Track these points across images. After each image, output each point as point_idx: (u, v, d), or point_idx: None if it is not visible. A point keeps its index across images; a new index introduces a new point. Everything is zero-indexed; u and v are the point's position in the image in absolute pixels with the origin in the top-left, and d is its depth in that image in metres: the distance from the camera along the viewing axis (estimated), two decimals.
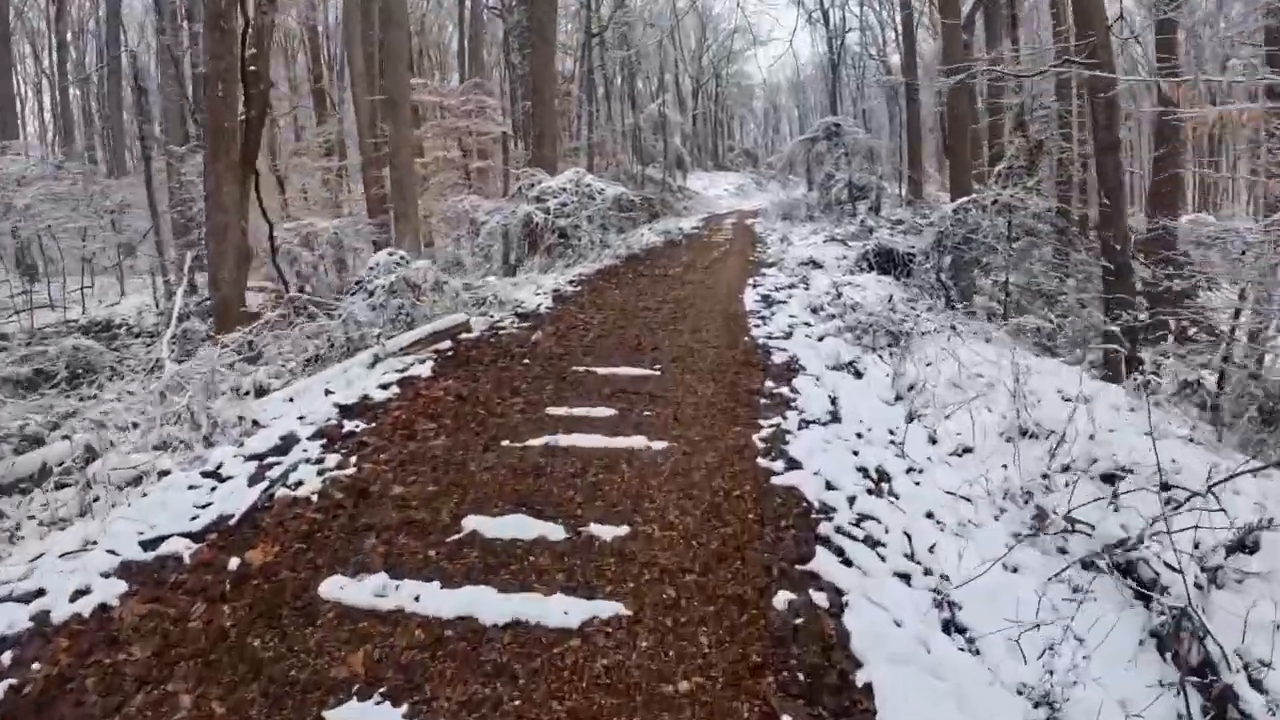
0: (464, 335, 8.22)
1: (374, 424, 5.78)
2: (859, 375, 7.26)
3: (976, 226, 12.24)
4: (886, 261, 13.63)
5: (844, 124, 24.56)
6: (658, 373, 7.02)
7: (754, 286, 12.06)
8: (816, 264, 14.49)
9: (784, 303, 10.84)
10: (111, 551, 3.87)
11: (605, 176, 29.40)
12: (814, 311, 10.17)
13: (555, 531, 4.11)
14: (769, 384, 6.76)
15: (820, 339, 8.45)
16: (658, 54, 45.68)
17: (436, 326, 7.75)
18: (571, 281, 12.30)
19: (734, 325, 9.21)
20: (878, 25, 39.99)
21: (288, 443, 5.30)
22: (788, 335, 8.65)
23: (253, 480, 4.71)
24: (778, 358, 7.61)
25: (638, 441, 5.30)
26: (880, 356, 7.90)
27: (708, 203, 37.83)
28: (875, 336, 8.39)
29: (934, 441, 5.66)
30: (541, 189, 15.23)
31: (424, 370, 7.03)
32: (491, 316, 9.44)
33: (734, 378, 6.96)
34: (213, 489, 4.62)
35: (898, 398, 6.66)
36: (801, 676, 3.03)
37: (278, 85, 23.41)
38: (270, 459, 5.04)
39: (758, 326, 9.14)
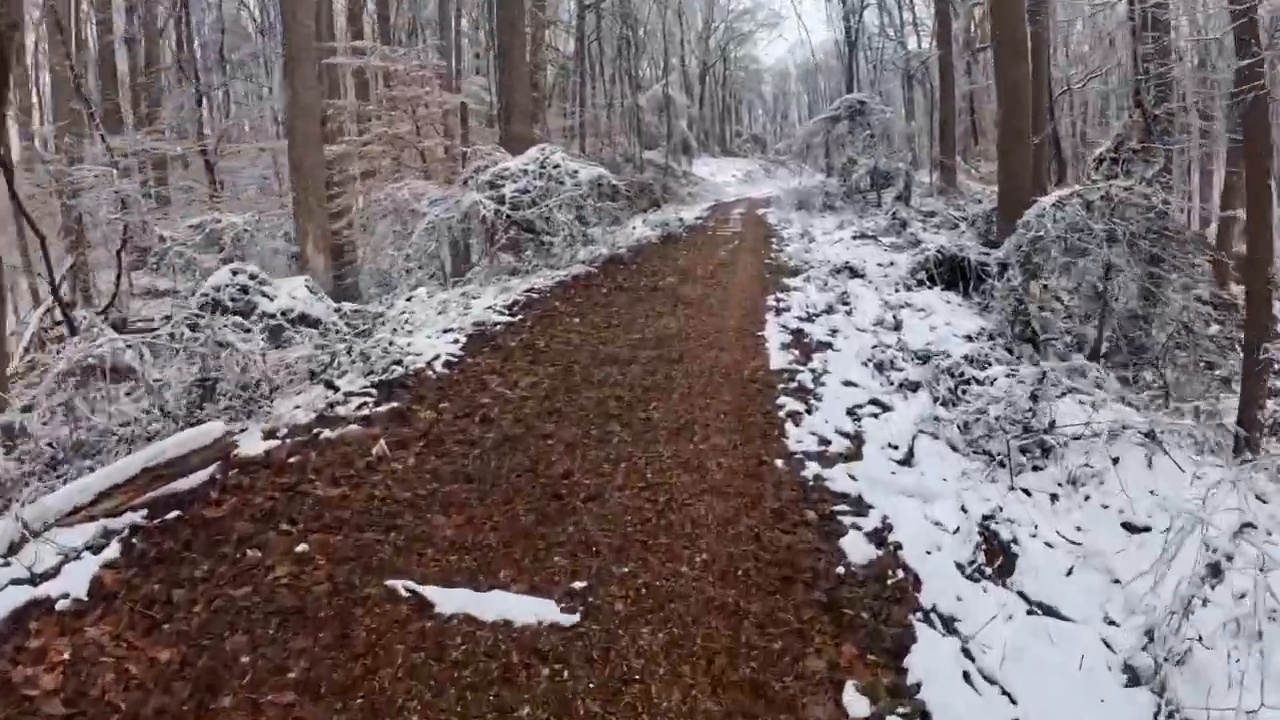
0: (213, 467, 4.14)
1: None
2: (1010, 556, 3.33)
3: (1086, 231, 8.34)
4: (951, 274, 9.66)
5: (869, 102, 20.43)
6: (577, 620, 2.94)
7: (777, 313, 8.15)
8: (855, 272, 10.52)
9: (828, 345, 6.95)
10: None
11: (593, 159, 25.43)
12: (878, 369, 6.24)
13: None
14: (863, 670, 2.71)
15: (908, 455, 4.48)
16: (661, 32, 41.42)
17: (157, 455, 3.72)
18: (515, 305, 8.39)
19: (752, 411, 5.26)
20: (895, 4, 35.80)
21: None
22: (853, 440, 4.68)
23: None
24: (852, 539, 3.52)
25: None
26: (1027, 491, 3.95)
27: (715, 189, 33.75)
28: (1004, 440, 4.41)
29: None
30: (496, 172, 11.30)
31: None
32: (333, 392, 5.43)
33: (766, 646, 2.82)
34: None
35: (1133, 679, 2.69)
36: None
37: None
38: None
39: (795, 416, 5.13)
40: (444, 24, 18.87)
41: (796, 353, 6.56)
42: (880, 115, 19.90)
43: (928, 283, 9.49)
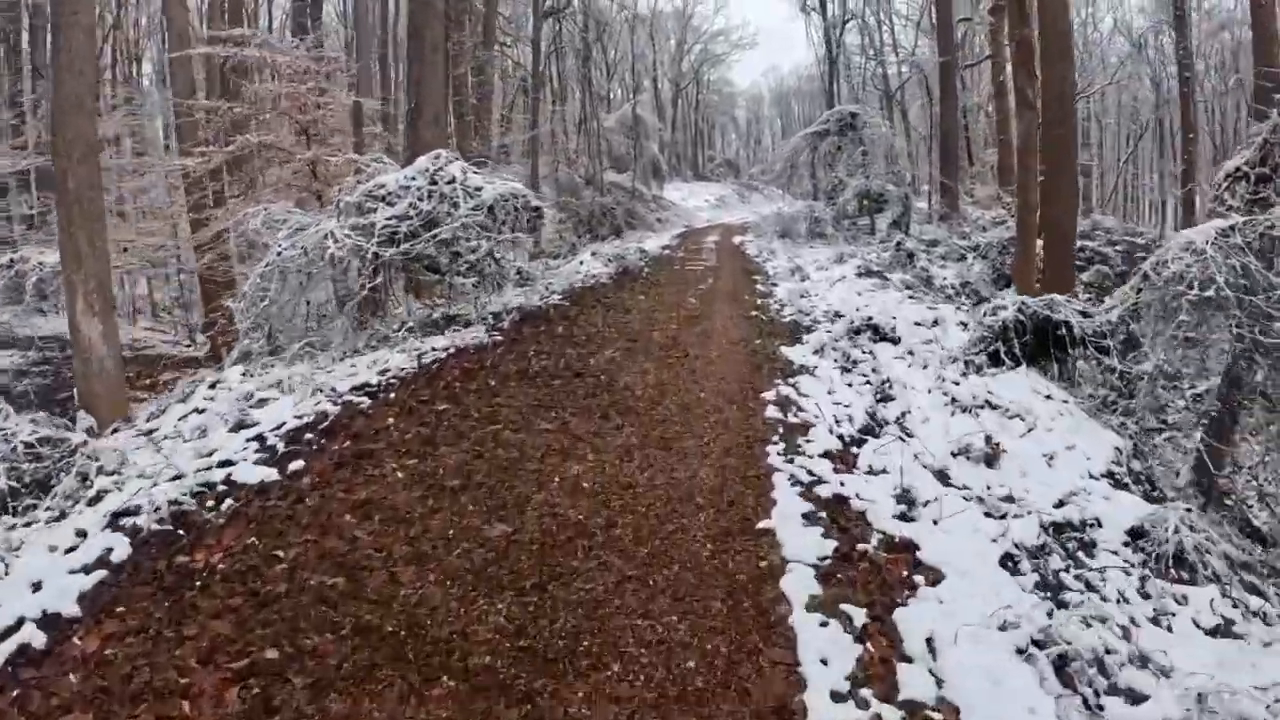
0: None
1: None
2: None
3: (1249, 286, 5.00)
4: (1037, 344, 6.08)
5: (862, 114, 17.04)
6: None
7: (786, 447, 4.38)
8: (881, 333, 6.89)
9: (910, 552, 3.26)
10: None
11: (549, 180, 21.80)
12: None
13: None
14: None
15: None
16: (631, 51, 38.21)
17: None
18: (316, 423, 4.60)
19: None
20: (875, 24, 32.93)
21: None
22: None
23: None
24: None
25: None
26: None
27: (686, 215, 30.36)
28: None
29: None
30: (368, 190, 7.63)
31: None
32: None
33: None
34: None
35: None
36: None
37: None
38: None
39: None
40: (359, 12, 15.17)
41: (857, 621, 2.81)
42: (875, 130, 16.50)
43: (1006, 359, 5.90)
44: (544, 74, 23.75)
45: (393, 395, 5.11)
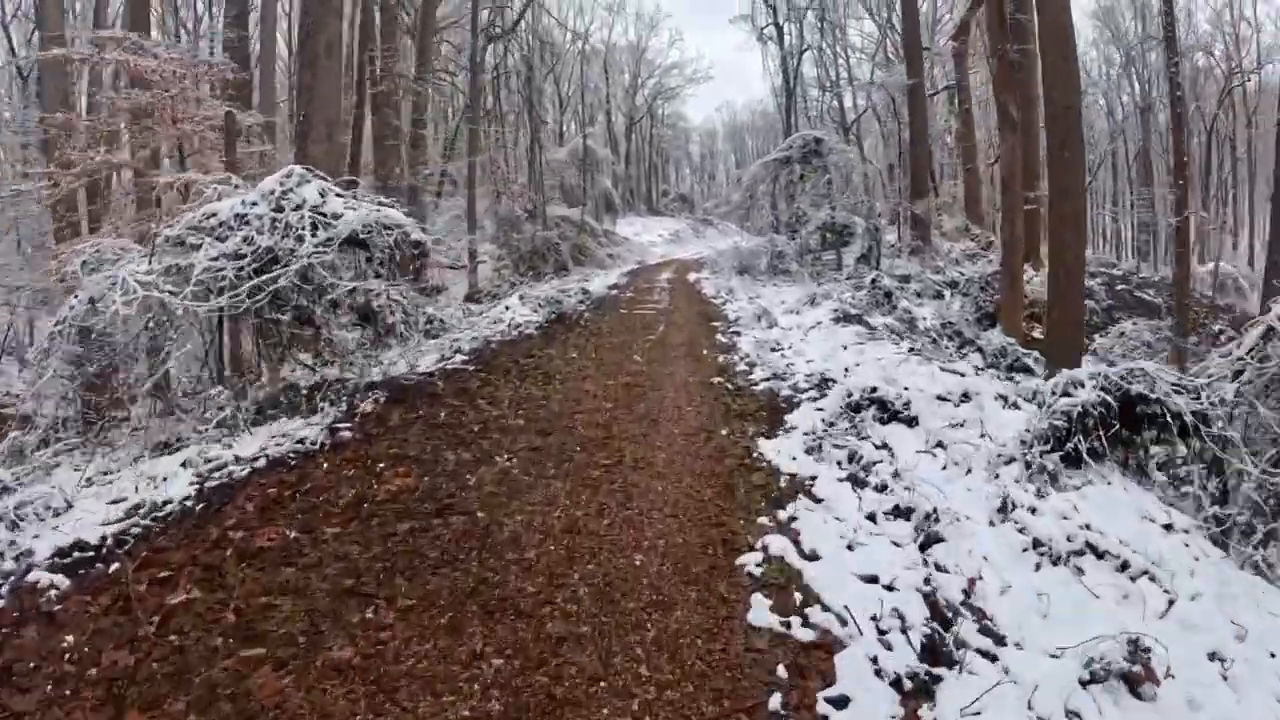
0: None
1: None
2: None
3: None
4: (1127, 431, 4.15)
5: (827, 139, 15.41)
6: None
7: (793, 682, 2.29)
8: (891, 410, 4.92)
9: None
10: None
11: (492, 214, 19.72)
12: None
13: None
14: None
15: None
16: (581, 80, 36.77)
17: None
18: None
19: None
20: (830, 56, 31.99)
21: None
22: None
23: None
24: None
25: None
26: None
27: (639, 250, 28.59)
28: None
29: None
30: (193, 222, 5.48)
31: None
32: None
33: None
34: None
35: None
36: None
37: None
38: None
39: None
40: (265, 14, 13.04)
41: None
42: (842, 156, 14.85)
43: (1088, 458, 3.95)
44: (485, 100, 21.76)
45: (112, 569, 2.89)
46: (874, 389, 5.17)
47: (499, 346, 7.31)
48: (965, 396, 5.13)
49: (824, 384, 5.86)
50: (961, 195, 20.68)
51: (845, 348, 7.14)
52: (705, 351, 7.50)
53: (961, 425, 4.71)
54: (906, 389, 5.23)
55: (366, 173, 15.74)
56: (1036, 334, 14.62)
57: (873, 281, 12.14)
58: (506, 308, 9.08)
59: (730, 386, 5.99)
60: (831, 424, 4.84)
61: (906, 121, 19.57)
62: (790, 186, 15.78)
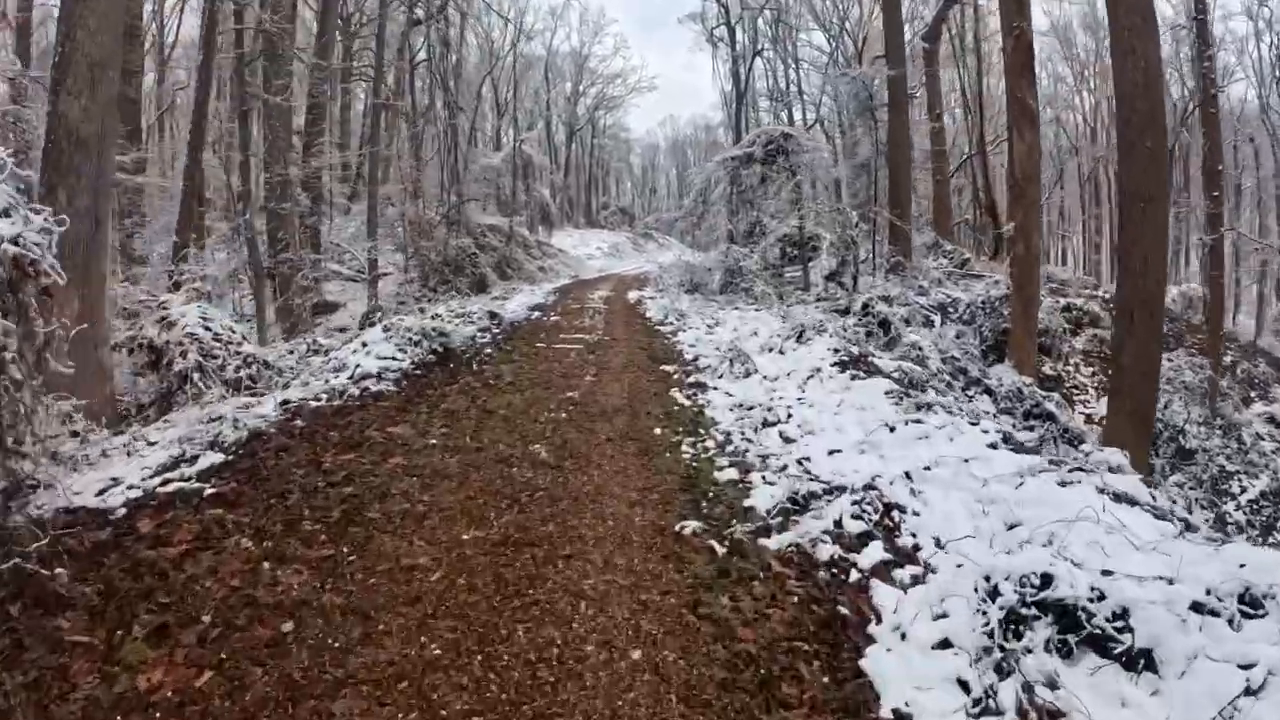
0: None
1: None
2: None
3: None
4: None
5: (797, 135, 12.70)
6: None
7: None
8: (1072, 621, 2.04)
9: None
10: None
11: (399, 218, 16.30)
12: None
13: None
14: None
15: None
16: (520, 85, 33.59)
17: None
18: None
19: None
20: (780, 63, 29.78)
21: None
22: None
23: None
24: None
25: None
26: None
27: (575, 264, 25.52)
28: None
29: None
30: None
31: None
32: None
33: None
34: None
35: None
36: None
37: None
38: None
39: None
40: None
41: None
42: (815, 155, 12.12)
43: None
44: (399, 90, 18.31)
45: None
46: (1045, 578, 2.23)
47: (306, 426, 4.12)
48: (1213, 614, 2.23)
49: (895, 528, 2.91)
50: (930, 210, 18.35)
51: (891, 427, 4.20)
52: (659, 430, 4.47)
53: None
54: (1110, 574, 2.32)
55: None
56: (1046, 369, 12.28)
57: (864, 308, 9.44)
58: (356, 350, 5.85)
59: (720, 546, 2.95)
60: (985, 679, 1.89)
61: (869, 128, 17.16)
62: (750, 191, 13.01)
